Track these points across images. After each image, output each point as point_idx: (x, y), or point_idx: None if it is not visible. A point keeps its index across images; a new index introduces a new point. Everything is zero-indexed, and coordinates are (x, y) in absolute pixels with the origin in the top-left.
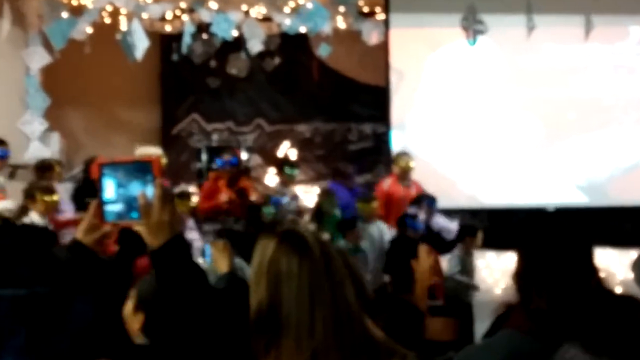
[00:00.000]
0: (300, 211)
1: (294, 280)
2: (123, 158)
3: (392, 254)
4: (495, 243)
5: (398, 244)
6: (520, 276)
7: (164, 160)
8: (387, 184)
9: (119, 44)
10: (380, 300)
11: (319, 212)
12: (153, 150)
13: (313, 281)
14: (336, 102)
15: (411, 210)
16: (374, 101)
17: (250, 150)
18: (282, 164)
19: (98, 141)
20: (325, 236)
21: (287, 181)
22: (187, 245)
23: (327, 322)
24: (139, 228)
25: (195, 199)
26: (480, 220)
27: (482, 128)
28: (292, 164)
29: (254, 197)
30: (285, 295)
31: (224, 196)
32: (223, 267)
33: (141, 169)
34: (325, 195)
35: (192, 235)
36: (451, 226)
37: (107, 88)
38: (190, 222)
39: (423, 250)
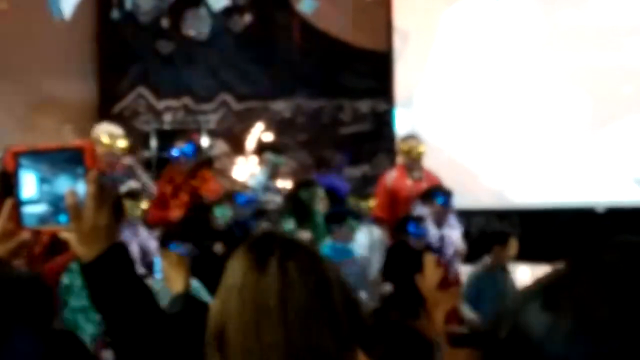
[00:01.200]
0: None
1: (238, 293)
2: (46, 145)
3: (389, 268)
4: (529, 254)
5: (396, 255)
6: None
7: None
8: (391, 178)
9: None
10: (377, 327)
11: (299, 207)
12: (113, 129)
13: (260, 303)
14: (324, 72)
15: (417, 209)
16: (372, 71)
17: (213, 134)
18: (263, 151)
19: (18, 123)
20: (306, 235)
21: (271, 172)
22: (129, 258)
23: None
24: (68, 235)
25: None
26: (511, 224)
27: (512, 106)
28: (277, 150)
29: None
30: (233, 311)
31: (176, 212)
32: (177, 285)
33: (70, 158)
34: (305, 184)
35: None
36: (453, 234)
37: (28, 55)
38: (142, 230)
39: (429, 261)
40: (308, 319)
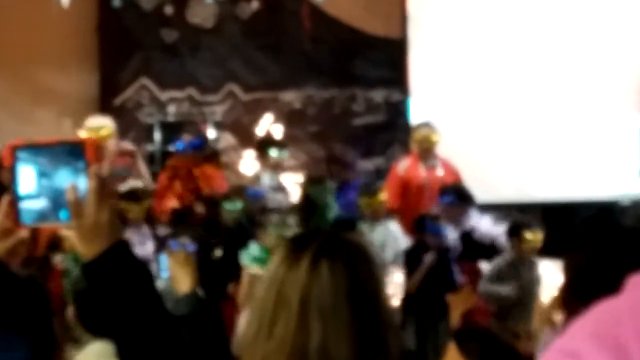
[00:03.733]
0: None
1: (266, 283)
2: (45, 139)
3: (407, 268)
4: (553, 249)
5: (413, 255)
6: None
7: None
8: (404, 166)
9: None
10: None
11: (308, 204)
12: (105, 122)
13: (283, 295)
14: (335, 60)
15: (439, 204)
16: (386, 59)
17: (219, 126)
18: (264, 145)
19: (16, 116)
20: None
21: (272, 167)
22: (132, 256)
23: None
24: (68, 232)
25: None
26: (533, 218)
27: (535, 94)
28: (279, 144)
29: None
30: (257, 300)
31: (173, 201)
32: (184, 285)
33: (70, 152)
34: (314, 181)
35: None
36: (495, 231)
37: (27, 45)
38: (145, 229)
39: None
40: (328, 319)
